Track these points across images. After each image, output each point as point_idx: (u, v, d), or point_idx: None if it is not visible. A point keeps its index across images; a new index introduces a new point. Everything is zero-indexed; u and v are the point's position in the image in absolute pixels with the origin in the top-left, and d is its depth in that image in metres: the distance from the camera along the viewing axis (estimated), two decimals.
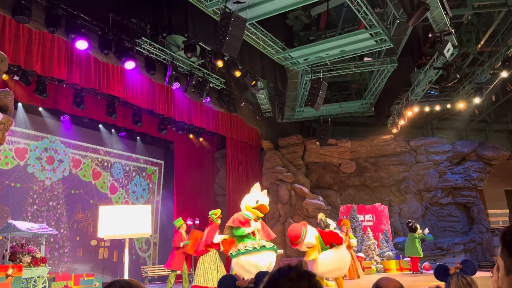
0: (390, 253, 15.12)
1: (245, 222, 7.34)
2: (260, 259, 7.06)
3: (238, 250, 7.14)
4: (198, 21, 10.16)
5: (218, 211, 9.07)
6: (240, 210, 7.71)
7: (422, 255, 13.03)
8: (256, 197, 7.58)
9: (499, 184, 18.34)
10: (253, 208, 7.40)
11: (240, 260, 7.06)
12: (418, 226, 13.42)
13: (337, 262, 7.72)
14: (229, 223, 7.46)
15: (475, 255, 16.03)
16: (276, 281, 1.14)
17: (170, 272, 10.93)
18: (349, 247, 11.74)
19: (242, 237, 7.30)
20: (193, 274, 9.68)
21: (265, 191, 8.05)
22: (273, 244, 7.50)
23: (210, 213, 9.03)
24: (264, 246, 7.25)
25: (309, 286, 1.12)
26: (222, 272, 8.58)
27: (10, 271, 6.58)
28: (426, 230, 13.48)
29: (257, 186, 7.86)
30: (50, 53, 9.43)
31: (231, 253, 7.30)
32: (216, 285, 7.80)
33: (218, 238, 8.15)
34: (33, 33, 9.08)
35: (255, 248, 7.12)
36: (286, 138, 16.81)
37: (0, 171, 12.53)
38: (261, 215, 7.54)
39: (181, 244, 10.71)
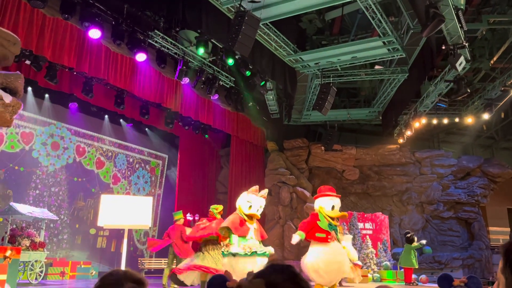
0: (388, 263, 15.05)
1: (243, 224, 7.32)
2: (248, 264, 7.02)
3: (230, 251, 7.11)
4: (212, 18, 10.17)
5: (220, 207, 9.02)
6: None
7: (416, 266, 12.99)
8: (250, 202, 7.47)
9: (502, 202, 18.22)
10: (245, 214, 7.36)
11: (230, 261, 7.06)
12: (416, 239, 13.35)
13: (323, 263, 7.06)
14: (228, 224, 7.36)
15: (473, 271, 15.93)
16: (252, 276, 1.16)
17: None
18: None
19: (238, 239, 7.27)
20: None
21: (266, 190, 7.90)
22: (265, 250, 7.41)
23: (211, 207, 8.98)
24: (255, 252, 7.20)
25: (281, 271, 1.13)
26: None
27: (8, 253, 6.62)
28: (424, 241, 13.41)
29: (254, 189, 7.71)
30: (62, 40, 9.47)
31: (223, 252, 7.27)
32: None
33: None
34: (47, 19, 9.13)
35: (246, 253, 7.10)
36: (291, 141, 16.79)
37: (5, 154, 12.61)
38: (252, 222, 7.47)
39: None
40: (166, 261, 13.14)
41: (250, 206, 7.38)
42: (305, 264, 7.24)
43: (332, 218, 7.21)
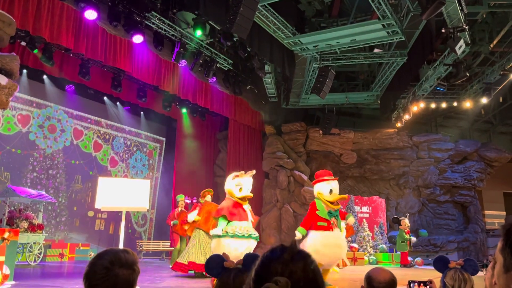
0: (384, 246, 15.24)
1: (238, 208, 7.34)
2: (242, 245, 7.08)
3: (226, 232, 7.14)
4: None
5: (205, 190, 9.07)
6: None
7: (407, 249, 13.36)
8: (239, 184, 7.44)
9: (498, 186, 18.35)
10: (238, 198, 7.35)
11: (222, 242, 7.07)
12: (404, 222, 13.68)
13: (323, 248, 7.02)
14: (224, 213, 7.34)
15: (468, 254, 16.12)
16: (268, 264, 1.04)
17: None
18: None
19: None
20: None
21: (253, 171, 7.84)
22: (257, 234, 7.52)
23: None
24: (251, 234, 7.28)
25: (304, 268, 1.03)
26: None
27: (6, 235, 6.65)
28: (414, 239, 13.74)
29: (239, 173, 7.67)
30: (59, 20, 9.34)
31: (216, 233, 7.25)
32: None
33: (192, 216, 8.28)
34: (43, 0, 8.99)
35: (243, 235, 7.15)
36: (289, 125, 16.77)
37: (2, 136, 12.56)
38: (246, 203, 7.49)
39: (171, 223, 10.84)
40: (164, 243, 13.28)
41: (241, 189, 7.39)
42: (305, 247, 7.27)
43: (332, 203, 7.20)
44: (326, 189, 7.36)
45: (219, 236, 7.15)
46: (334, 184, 7.47)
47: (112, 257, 1.50)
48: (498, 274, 1.04)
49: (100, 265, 1.47)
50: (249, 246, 7.26)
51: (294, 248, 1.07)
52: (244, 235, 7.16)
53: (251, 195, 7.53)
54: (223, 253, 1.70)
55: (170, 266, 10.39)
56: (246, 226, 7.33)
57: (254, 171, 7.77)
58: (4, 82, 5.89)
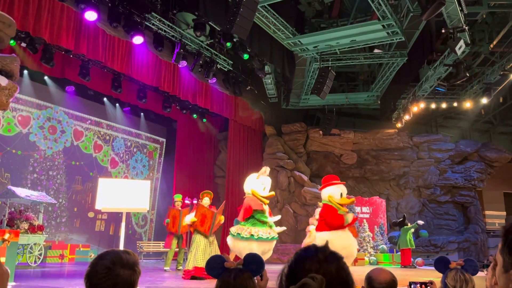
0: (384, 246, 15.23)
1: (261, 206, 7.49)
2: (265, 247, 7.19)
3: (251, 235, 7.20)
4: (210, 0, 10.04)
5: (203, 192, 9.10)
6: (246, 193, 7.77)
7: (413, 246, 13.26)
8: (264, 183, 7.58)
9: (498, 186, 18.34)
10: (263, 197, 7.45)
11: (249, 244, 7.13)
12: (409, 224, 13.67)
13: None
14: (254, 207, 7.43)
15: (469, 254, 16.11)
16: (303, 262, 1.09)
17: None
18: None
19: (255, 222, 7.40)
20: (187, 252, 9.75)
21: (267, 168, 7.97)
22: (276, 234, 7.66)
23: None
24: (274, 237, 7.43)
25: (337, 269, 1.08)
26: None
27: (6, 236, 6.65)
28: (421, 222, 13.67)
29: (263, 170, 7.80)
30: (59, 21, 9.35)
31: (239, 234, 7.31)
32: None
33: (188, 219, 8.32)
34: (43, 1, 9.00)
35: (267, 237, 7.27)
36: (289, 125, 16.78)
37: (2, 137, 12.57)
38: (267, 202, 7.63)
39: (165, 222, 10.86)
40: (163, 244, 13.26)
41: (264, 188, 7.51)
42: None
43: (342, 206, 7.40)
44: (337, 193, 7.68)
45: (245, 238, 7.21)
46: (343, 188, 7.81)
47: (113, 257, 1.51)
48: (498, 274, 1.04)
49: (101, 265, 1.48)
50: (270, 249, 7.40)
51: (328, 249, 1.12)
52: (268, 237, 7.28)
53: (274, 193, 7.66)
54: (224, 254, 1.71)
55: (166, 268, 10.38)
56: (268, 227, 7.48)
57: (268, 168, 7.91)
58: (4, 83, 5.89)
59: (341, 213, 7.35)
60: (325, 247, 1.13)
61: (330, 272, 1.06)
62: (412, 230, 13.49)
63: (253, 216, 7.51)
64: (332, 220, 7.43)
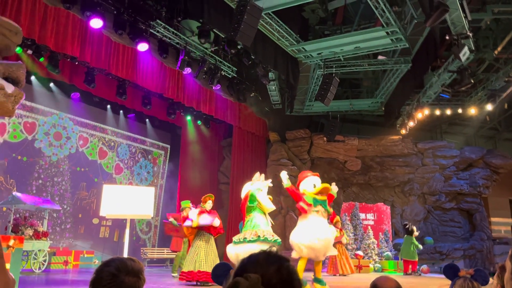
0: (389, 253, 15.14)
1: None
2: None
3: (258, 236, 7.34)
4: (214, 7, 10.10)
5: (206, 196, 9.08)
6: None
7: (415, 259, 13.15)
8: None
9: (504, 193, 18.22)
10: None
11: (258, 245, 7.24)
12: (415, 229, 13.44)
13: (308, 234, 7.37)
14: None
15: (475, 262, 15.99)
16: (245, 266, 1.11)
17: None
18: (340, 242, 12.01)
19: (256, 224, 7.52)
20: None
21: (262, 176, 8.08)
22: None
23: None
24: (276, 240, 7.61)
25: (278, 270, 1.07)
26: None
27: (11, 242, 6.66)
28: (420, 246, 13.54)
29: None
30: (64, 29, 9.43)
31: (246, 239, 7.35)
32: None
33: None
34: (49, 9, 9.08)
35: (275, 240, 7.49)
36: (293, 132, 16.77)
37: (8, 144, 12.64)
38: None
39: (170, 219, 10.86)
40: (168, 250, 13.26)
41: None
42: (291, 240, 7.62)
43: (317, 195, 7.58)
44: (309, 184, 7.77)
45: (252, 241, 7.24)
46: (315, 179, 7.87)
47: (118, 264, 1.53)
48: (506, 280, 1.04)
49: (107, 272, 1.50)
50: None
51: (271, 252, 1.13)
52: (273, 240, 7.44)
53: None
54: (229, 261, 1.70)
55: (173, 274, 10.36)
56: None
57: (262, 177, 7.97)
58: (10, 90, 5.94)
59: (307, 200, 7.50)
60: (270, 250, 1.14)
61: (268, 273, 1.06)
62: (416, 243, 13.34)
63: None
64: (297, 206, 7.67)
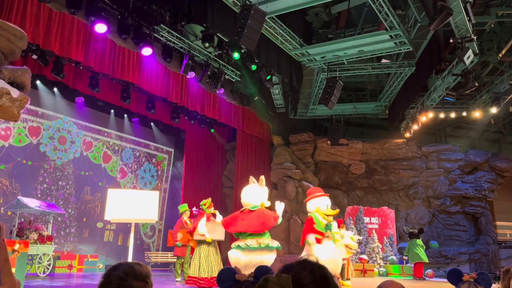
0: (394, 257, 15.06)
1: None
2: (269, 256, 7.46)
3: (260, 244, 7.45)
4: (218, 12, 10.14)
5: (208, 201, 9.05)
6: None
7: (426, 260, 13.00)
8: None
9: (509, 197, 18.11)
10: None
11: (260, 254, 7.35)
12: (417, 231, 13.46)
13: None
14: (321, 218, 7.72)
15: (480, 266, 15.89)
16: (278, 270, 1.14)
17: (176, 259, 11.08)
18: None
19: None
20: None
21: (261, 179, 8.04)
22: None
23: (200, 203, 9.06)
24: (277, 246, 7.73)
25: (311, 272, 1.10)
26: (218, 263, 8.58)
27: (16, 247, 6.69)
28: (424, 247, 13.50)
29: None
30: (69, 34, 9.49)
31: (248, 246, 7.33)
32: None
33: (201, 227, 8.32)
34: (54, 14, 9.14)
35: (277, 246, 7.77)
36: (297, 135, 16.77)
37: (13, 148, 12.70)
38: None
39: (176, 244, 10.75)
40: (172, 255, 13.21)
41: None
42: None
43: (327, 216, 7.76)
44: (323, 204, 8.02)
45: (253, 248, 7.27)
46: (328, 200, 8.20)
47: (126, 268, 1.55)
48: None
49: (115, 276, 1.52)
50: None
51: (306, 260, 1.17)
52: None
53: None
54: (235, 266, 1.70)
55: (177, 279, 10.33)
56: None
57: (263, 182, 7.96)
58: (15, 95, 5.97)
59: (317, 228, 7.62)
60: (305, 258, 1.18)
61: (301, 274, 1.08)
62: (422, 243, 13.24)
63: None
64: (304, 233, 7.89)
